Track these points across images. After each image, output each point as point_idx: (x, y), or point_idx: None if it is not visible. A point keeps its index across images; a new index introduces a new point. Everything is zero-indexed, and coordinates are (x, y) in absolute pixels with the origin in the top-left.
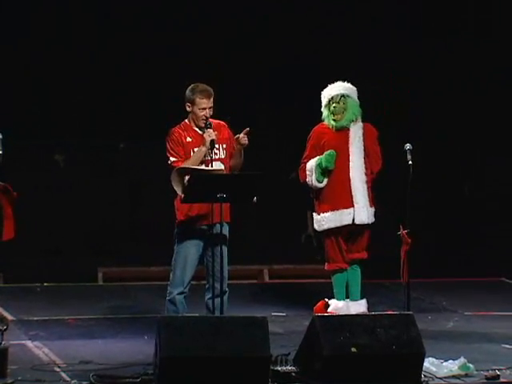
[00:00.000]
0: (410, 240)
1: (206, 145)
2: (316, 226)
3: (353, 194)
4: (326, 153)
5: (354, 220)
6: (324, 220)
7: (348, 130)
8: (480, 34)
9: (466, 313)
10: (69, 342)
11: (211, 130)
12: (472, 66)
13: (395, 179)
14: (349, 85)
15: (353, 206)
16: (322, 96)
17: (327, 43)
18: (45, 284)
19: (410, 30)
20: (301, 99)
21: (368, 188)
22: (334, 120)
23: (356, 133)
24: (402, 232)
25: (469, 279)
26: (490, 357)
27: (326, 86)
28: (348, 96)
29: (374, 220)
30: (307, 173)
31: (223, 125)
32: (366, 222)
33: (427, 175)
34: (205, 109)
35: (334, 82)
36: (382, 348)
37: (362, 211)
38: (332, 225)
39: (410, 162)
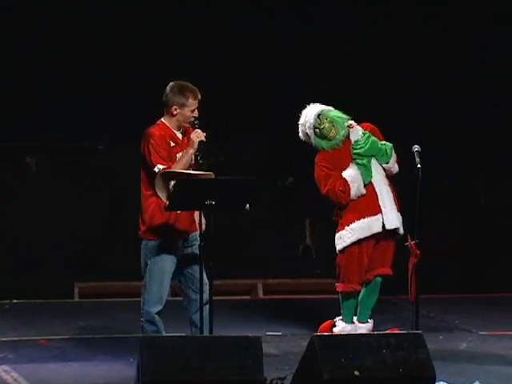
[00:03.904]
0: (418, 252)
1: (193, 146)
2: (339, 245)
3: (378, 197)
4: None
5: (384, 226)
6: (350, 233)
7: (349, 139)
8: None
9: (480, 332)
10: (40, 366)
11: (199, 131)
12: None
13: (402, 184)
14: (310, 105)
15: (380, 211)
16: (304, 135)
17: (325, 47)
18: (14, 301)
19: (415, 30)
20: (295, 104)
21: (392, 192)
22: (330, 140)
23: (358, 137)
24: (410, 243)
25: (484, 295)
26: (508, 381)
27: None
28: (322, 110)
29: (403, 231)
30: (350, 185)
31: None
32: (396, 226)
33: (438, 180)
34: (195, 110)
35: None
36: (388, 371)
37: (390, 215)
38: (361, 235)
39: (419, 166)
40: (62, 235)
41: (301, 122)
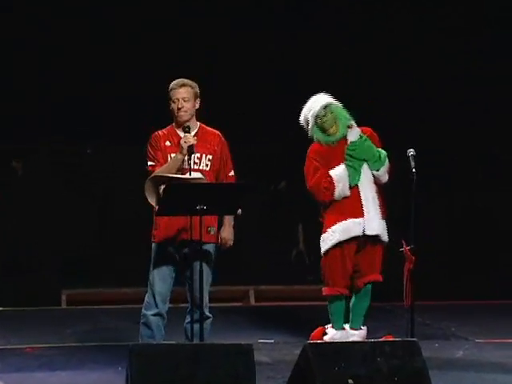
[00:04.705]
0: (413, 257)
1: (182, 152)
2: (322, 248)
3: (362, 202)
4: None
5: (364, 231)
6: (332, 235)
7: (345, 139)
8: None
9: (477, 340)
10: (27, 375)
11: (189, 135)
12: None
13: (396, 189)
14: (322, 94)
15: (363, 215)
16: (304, 120)
17: (322, 49)
18: (0, 308)
19: (412, 32)
20: (289, 107)
21: (378, 198)
22: (329, 136)
23: (355, 138)
24: (405, 248)
25: (481, 302)
26: None
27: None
28: (331, 104)
29: (387, 238)
30: (335, 184)
31: (215, 133)
32: (377, 233)
33: (434, 184)
34: (178, 99)
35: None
36: (383, 379)
37: (372, 221)
38: (341, 237)
39: (414, 170)
40: (49, 240)
41: (307, 105)
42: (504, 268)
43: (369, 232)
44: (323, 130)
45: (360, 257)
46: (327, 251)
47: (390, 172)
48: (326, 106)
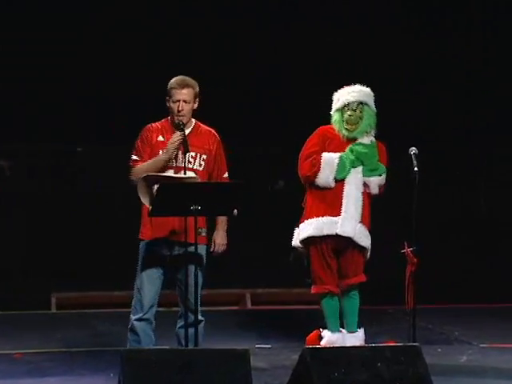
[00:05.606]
0: (416, 260)
1: (168, 153)
2: (300, 237)
3: (343, 200)
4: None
5: (337, 231)
6: (306, 227)
7: (356, 140)
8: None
9: (481, 345)
10: (15, 381)
11: (178, 133)
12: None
13: (398, 189)
14: (368, 90)
15: (340, 214)
16: (336, 98)
17: (321, 47)
18: None
19: (411, 30)
20: (287, 108)
21: (364, 202)
22: (346, 129)
23: (365, 142)
24: (407, 250)
25: (484, 305)
26: None
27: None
28: (366, 104)
29: (367, 244)
30: (322, 165)
31: (210, 132)
32: (350, 235)
33: (436, 184)
34: (179, 100)
35: (340, 87)
36: None
37: (348, 222)
38: (313, 233)
39: (416, 169)
40: (38, 242)
41: (351, 87)
42: (508, 270)
43: (340, 232)
44: (342, 120)
45: (341, 258)
46: (309, 251)
47: (382, 190)
48: (361, 103)
